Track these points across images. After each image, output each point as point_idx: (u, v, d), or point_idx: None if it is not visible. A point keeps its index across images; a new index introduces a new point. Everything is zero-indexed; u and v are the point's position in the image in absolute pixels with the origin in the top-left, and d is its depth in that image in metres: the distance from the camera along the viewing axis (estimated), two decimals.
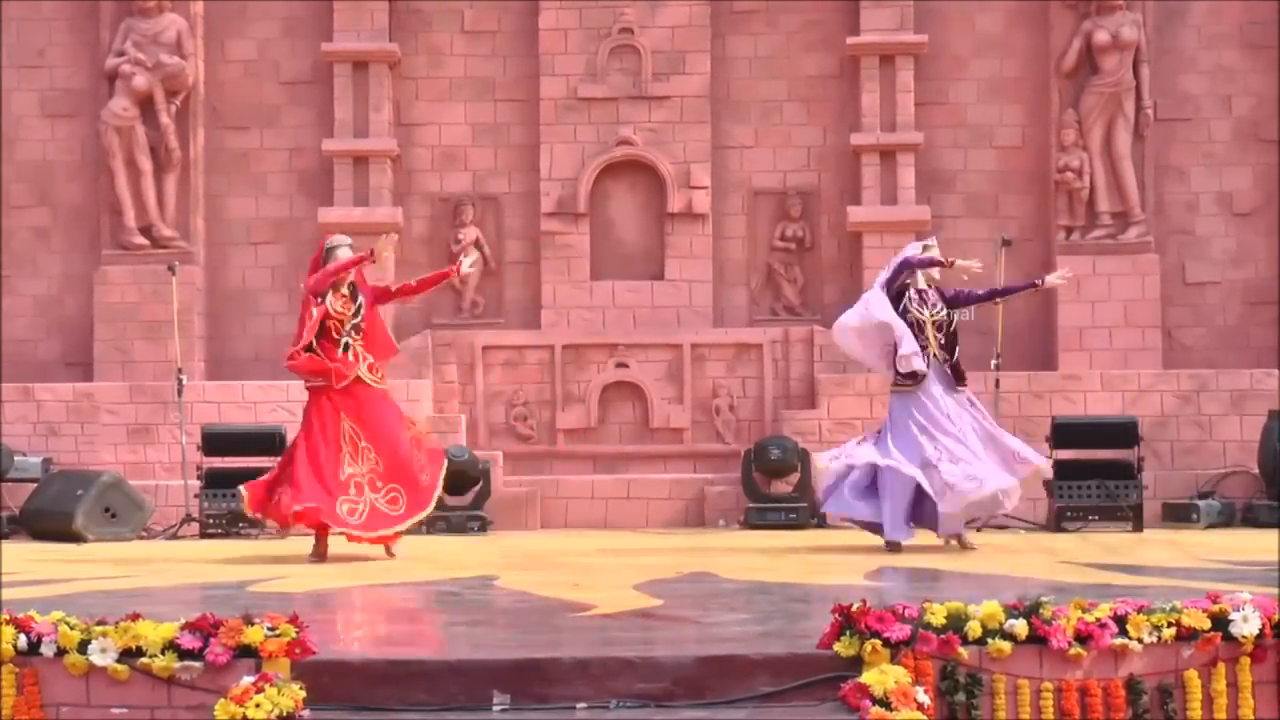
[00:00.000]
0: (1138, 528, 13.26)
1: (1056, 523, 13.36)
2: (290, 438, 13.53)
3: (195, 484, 13.54)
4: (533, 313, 15.41)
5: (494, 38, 15.61)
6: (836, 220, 15.40)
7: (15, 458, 14.02)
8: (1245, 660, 5.84)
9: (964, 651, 5.63)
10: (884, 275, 11.14)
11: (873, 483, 10.85)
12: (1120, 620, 5.78)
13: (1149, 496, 13.71)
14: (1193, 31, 15.39)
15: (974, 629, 5.66)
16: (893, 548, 10.70)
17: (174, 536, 13.33)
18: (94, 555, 11.39)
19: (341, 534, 10.43)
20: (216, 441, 13.67)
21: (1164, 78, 15.27)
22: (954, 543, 10.88)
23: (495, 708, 5.44)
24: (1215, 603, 5.93)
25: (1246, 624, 5.85)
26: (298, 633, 5.58)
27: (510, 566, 10.12)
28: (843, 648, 5.62)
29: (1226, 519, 13.72)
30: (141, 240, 15.12)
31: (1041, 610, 5.74)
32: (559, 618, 7.12)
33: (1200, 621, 5.84)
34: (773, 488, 14.38)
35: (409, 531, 10.90)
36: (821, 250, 15.50)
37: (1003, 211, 15.36)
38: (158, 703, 5.53)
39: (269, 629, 5.58)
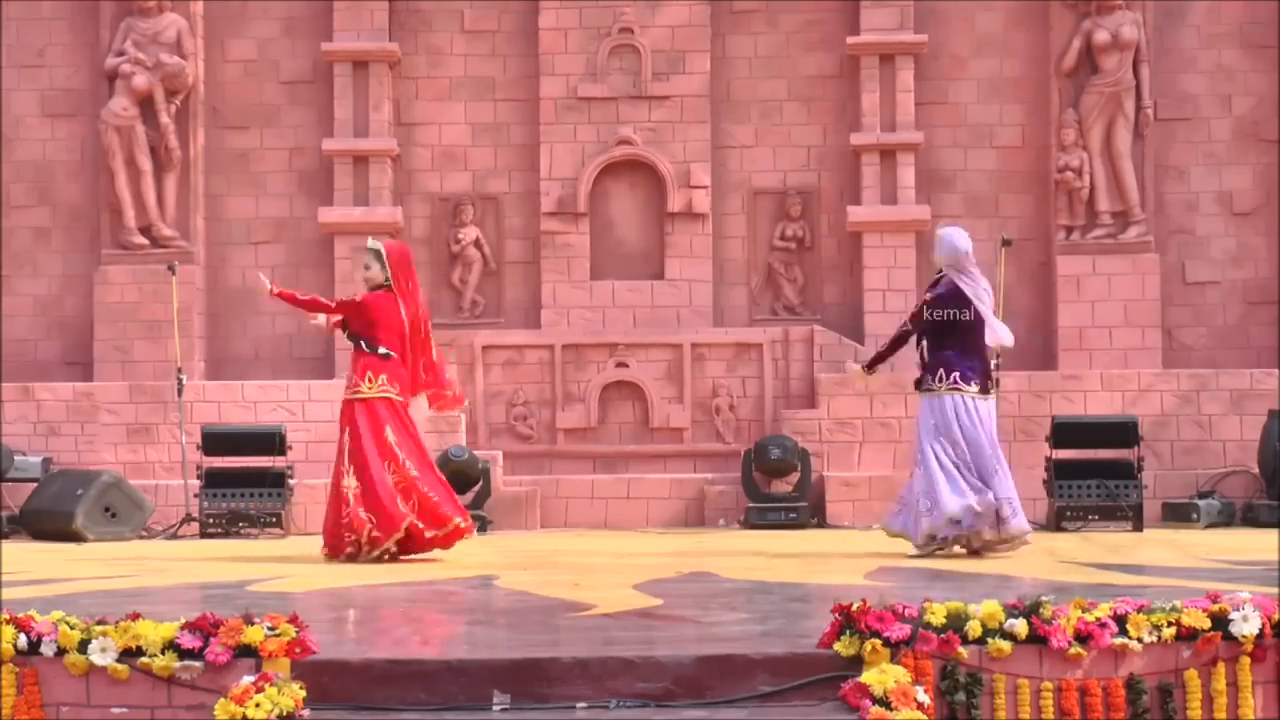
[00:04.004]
0: (1138, 527, 13.27)
1: (1056, 522, 13.36)
2: (290, 437, 13.60)
3: (195, 484, 13.54)
4: (533, 312, 15.42)
5: (494, 37, 15.62)
6: (836, 220, 15.40)
7: (15, 457, 14.02)
8: (1245, 660, 5.84)
9: (964, 651, 5.62)
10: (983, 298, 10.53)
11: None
12: (1120, 620, 5.78)
13: (1149, 496, 13.71)
14: (1193, 31, 15.38)
15: (974, 629, 5.66)
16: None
17: (174, 536, 13.33)
18: (94, 555, 11.39)
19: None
20: (216, 441, 13.66)
21: (1164, 77, 15.27)
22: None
23: (495, 708, 5.44)
24: (1215, 602, 5.93)
25: (1246, 624, 5.85)
26: (298, 632, 5.58)
27: (510, 566, 10.12)
28: (843, 647, 5.62)
29: (1226, 519, 13.72)
30: (141, 240, 15.12)
31: (1041, 610, 5.74)
32: (559, 618, 7.12)
33: (1200, 621, 5.84)
34: (773, 487, 14.38)
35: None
36: (821, 250, 15.50)
37: (1003, 211, 15.36)
38: (158, 703, 5.53)
39: (269, 629, 5.58)
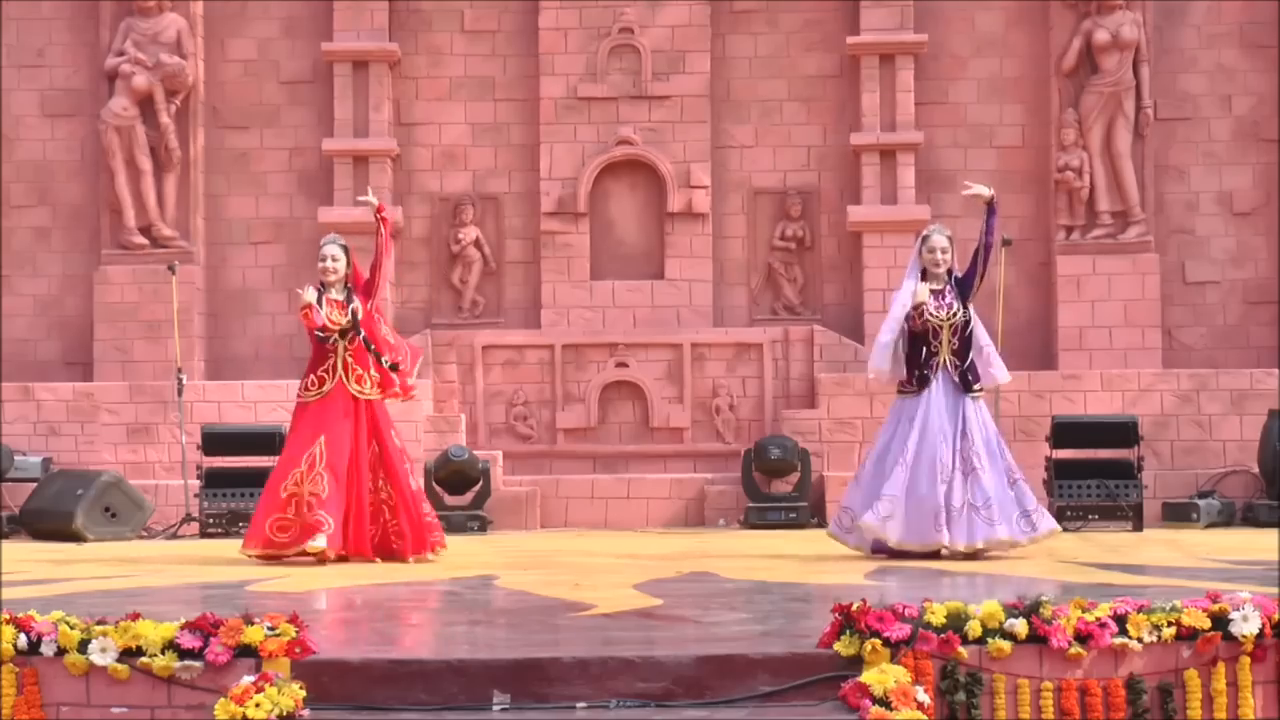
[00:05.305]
0: (1138, 527, 13.27)
1: (1056, 522, 13.32)
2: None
3: (195, 484, 13.55)
4: (533, 312, 15.42)
5: (494, 37, 15.62)
6: (836, 220, 15.40)
7: (15, 457, 14.02)
8: (1245, 660, 5.84)
9: (964, 651, 5.62)
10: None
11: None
12: (1120, 620, 5.78)
13: (1149, 496, 13.72)
14: (1193, 31, 15.39)
15: (974, 628, 5.66)
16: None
17: (174, 536, 13.33)
18: (94, 555, 11.38)
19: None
20: (216, 441, 13.67)
21: (1164, 77, 15.27)
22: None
23: (495, 708, 5.44)
24: (1215, 602, 5.92)
25: (1246, 623, 5.85)
26: (298, 632, 5.58)
27: (510, 566, 10.11)
28: (843, 647, 5.61)
29: (1226, 519, 13.72)
30: (141, 240, 15.13)
31: (1041, 610, 5.74)
32: (559, 618, 7.11)
33: (1200, 621, 5.84)
34: (773, 487, 14.39)
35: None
36: (821, 250, 15.50)
37: (1003, 211, 15.09)
38: (158, 702, 5.53)
39: (269, 629, 5.58)
